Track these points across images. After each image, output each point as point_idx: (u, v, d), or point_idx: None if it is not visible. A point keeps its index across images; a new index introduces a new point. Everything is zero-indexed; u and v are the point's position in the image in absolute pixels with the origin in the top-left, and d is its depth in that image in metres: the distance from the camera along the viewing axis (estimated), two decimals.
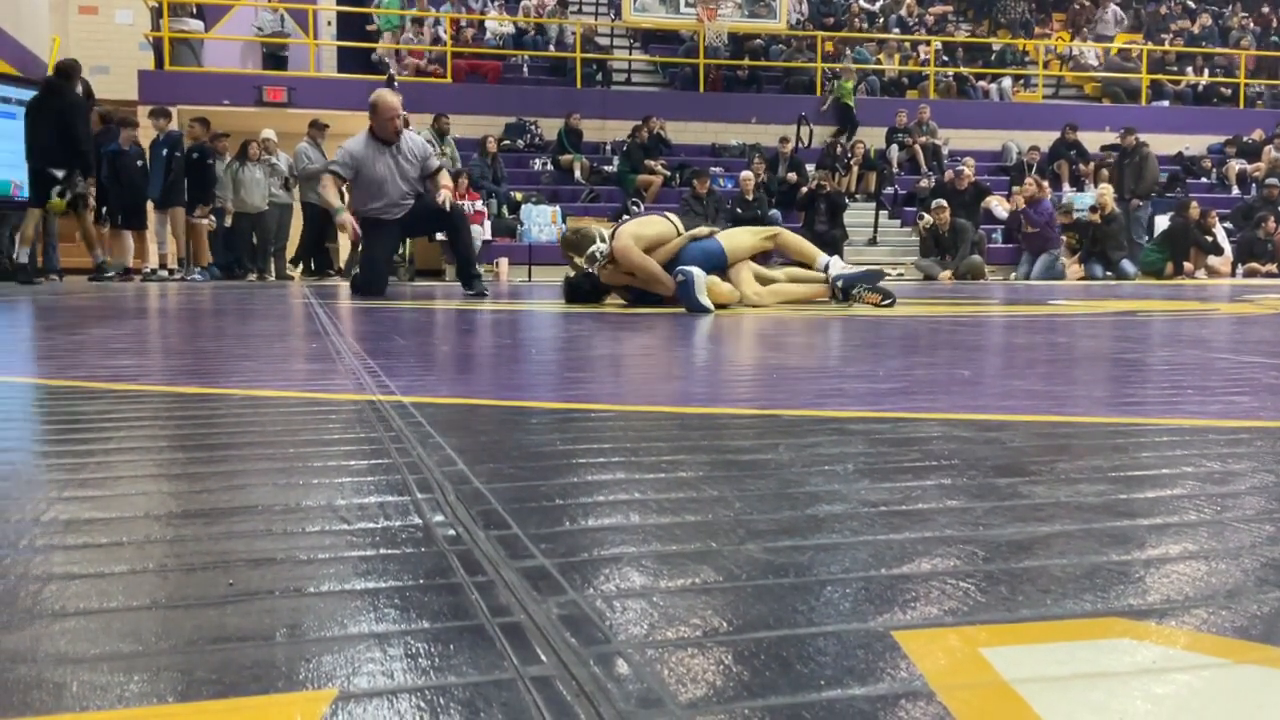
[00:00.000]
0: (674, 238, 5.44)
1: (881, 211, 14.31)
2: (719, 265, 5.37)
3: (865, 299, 5.37)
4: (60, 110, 9.39)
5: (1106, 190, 13.30)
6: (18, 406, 2.04)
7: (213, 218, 11.87)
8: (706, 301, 4.90)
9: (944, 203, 13.05)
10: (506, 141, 14.49)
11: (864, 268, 5.63)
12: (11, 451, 1.49)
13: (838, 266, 5.50)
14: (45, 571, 0.88)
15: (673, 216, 5.68)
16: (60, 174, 9.45)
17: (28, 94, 10.79)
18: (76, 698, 0.63)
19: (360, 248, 7.43)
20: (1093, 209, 12.94)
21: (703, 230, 5.51)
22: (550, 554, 0.91)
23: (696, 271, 4.95)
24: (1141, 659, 0.68)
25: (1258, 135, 16.62)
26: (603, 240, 5.56)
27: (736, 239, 5.51)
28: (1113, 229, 12.85)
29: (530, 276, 12.41)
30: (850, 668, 0.67)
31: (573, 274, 5.78)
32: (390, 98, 6.99)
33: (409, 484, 1.19)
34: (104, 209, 11.20)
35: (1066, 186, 14.82)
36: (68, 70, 9.69)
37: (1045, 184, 13.69)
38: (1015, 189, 13.62)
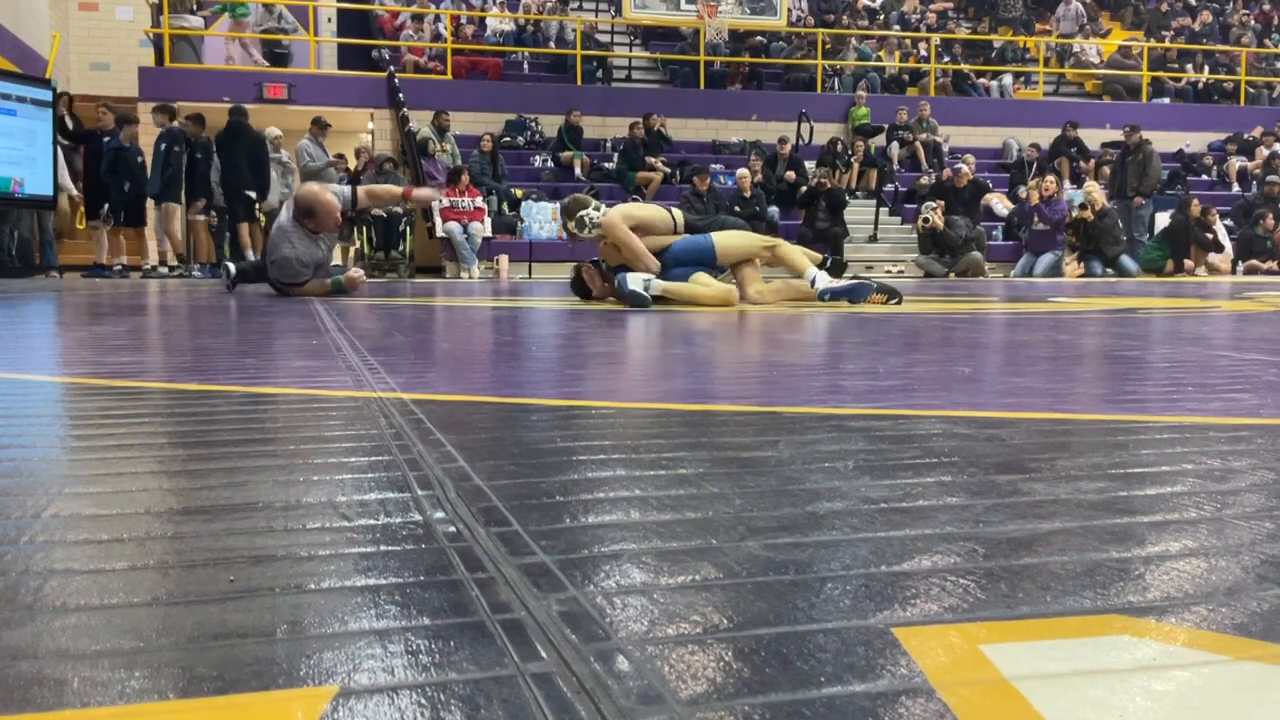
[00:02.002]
0: (666, 226, 5.50)
1: (882, 208, 14.29)
2: (706, 260, 5.39)
3: (872, 299, 5.36)
4: (248, 144, 11.53)
5: (1094, 187, 13.29)
6: (18, 403, 2.04)
7: (213, 214, 11.84)
8: (641, 289, 5.00)
9: (933, 204, 13.04)
10: (507, 138, 14.48)
11: (849, 282, 5.47)
12: (12, 448, 1.49)
13: (823, 281, 5.39)
14: (46, 568, 0.88)
15: (676, 211, 5.70)
16: (253, 195, 11.68)
17: (28, 91, 10.82)
18: (77, 694, 0.63)
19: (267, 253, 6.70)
20: (1082, 206, 12.93)
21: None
22: (550, 551, 0.91)
23: (629, 275, 5.12)
24: (1141, 656, 0.68)
25: (1258, 132, 16.61)
26: (597, 209, 5.61)
27: (730, 240, 5.50)
28: (1106, 224, 12.82)
29: (531, 273, 12.40)
30: (850, 664, 0.67)
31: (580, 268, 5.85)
32: (325, 196, 6.33)
33: (409, 481, 1.19)
34: (105, 206, 11.19)
35: (1067, 184, 14.81)
36: (246, 111, 11.90)
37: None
38: (1029, 185, 13.58)
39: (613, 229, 5.40)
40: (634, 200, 12.84)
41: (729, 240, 5.49)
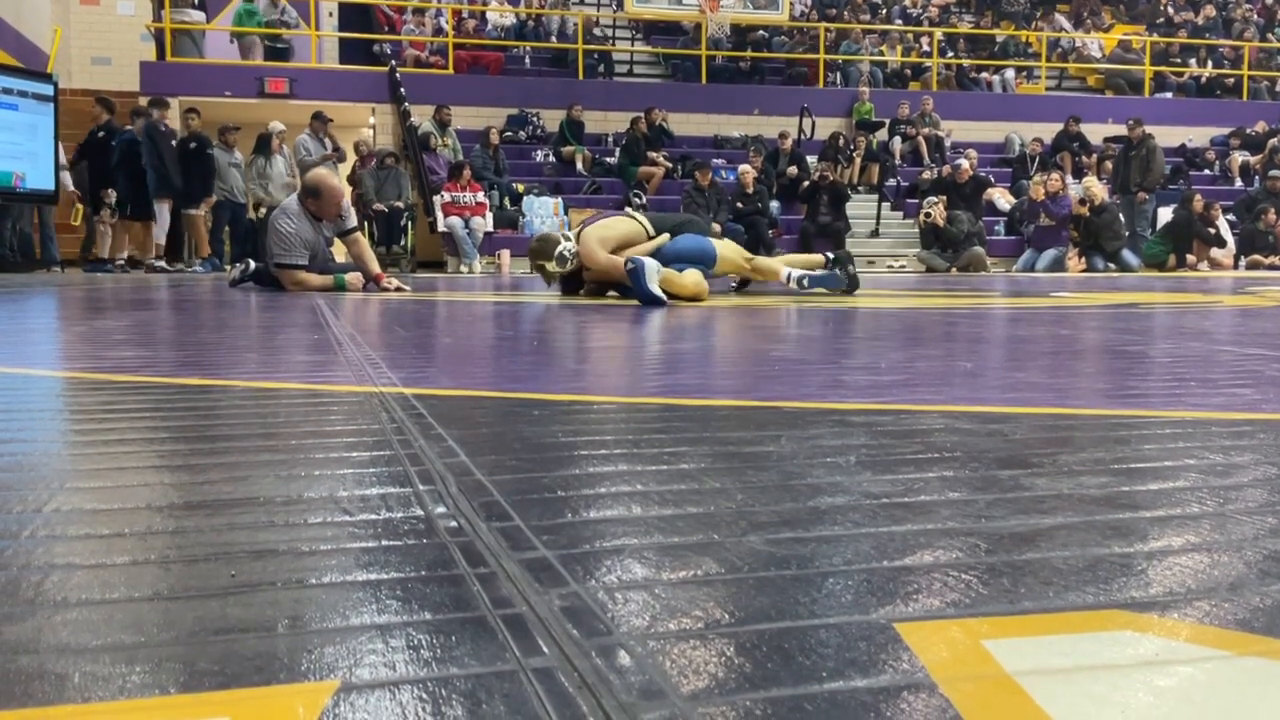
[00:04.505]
0: (640, 235, 5.49)
1: (884, 203, 14.28)
2: (707, 262, 5.43)
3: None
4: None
5: (1092, 182, 13.26)
6: (20, 398, 2.04)
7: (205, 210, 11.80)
8: (658, 291, 4.88)
9: (935, 199, 13.02)
10: (508, 133, 14.46)
11: (823, 272, 5.73)
12: (14, 443, 1.49)
13: (795, 276, 5.67)
14: (47, 562, 0.88)
15: (640, 216, 5.68)
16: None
17: (29, 85, 10.82)
18: (79, 689, 0.63)
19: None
20: (1081, 201, 12.90)
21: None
22: (552, 545, 0.91)
23: (647, 261, 4.96)
24: (1144, 651, 0.68)
25: (1261, 127, 16.58)
26: (567, 239, 5.60)
27: (728, 252, 5.67)
28: (1105, 219, 12.79)
29: (532, 268, 12.39)
30: (852, 660, 0.67)
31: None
32: (334, 181, 6.62)
33: (411, 475, 1.19)
34: (112, 198, 11.18)
35: (1069, 179, 14.79)
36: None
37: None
38: (1034, 180, 13.56)
39: (593, 259, 5.37)
40: (635, 195, 12.84)
41: (727, 252, 5.65)
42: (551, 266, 5.66)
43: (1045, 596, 0.79)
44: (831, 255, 5.99)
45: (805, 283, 5.51)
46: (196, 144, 11.51)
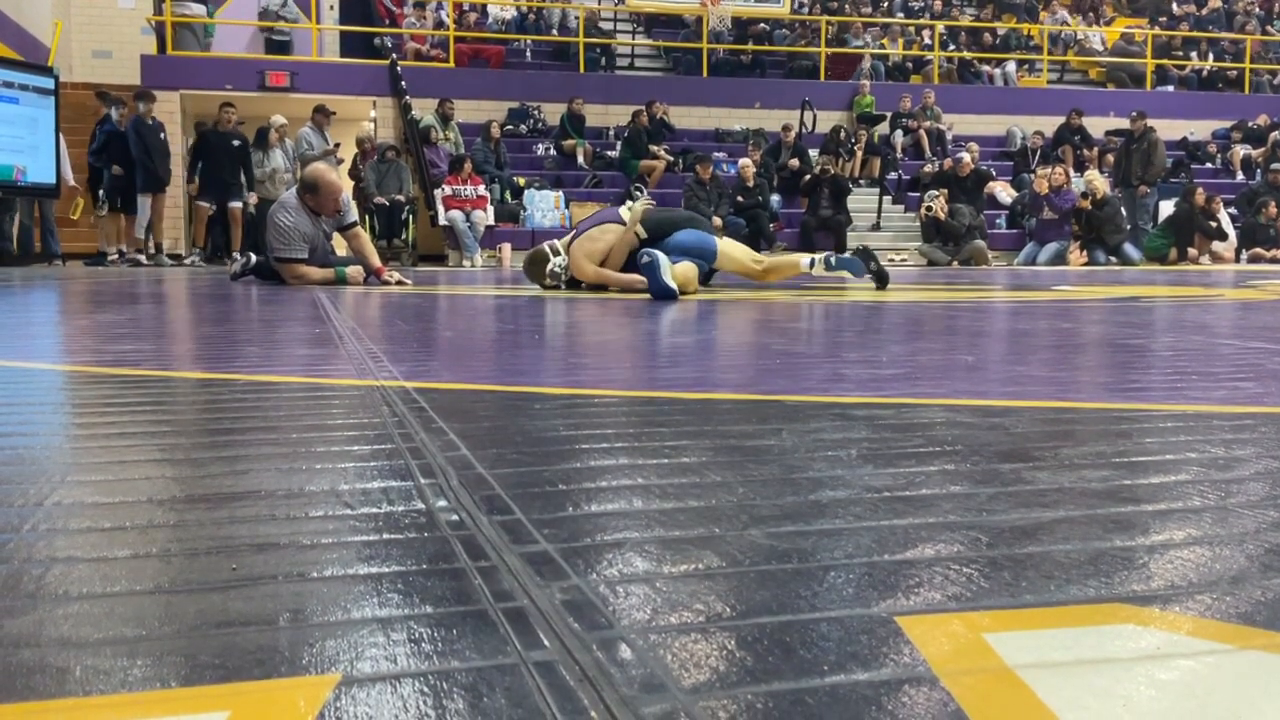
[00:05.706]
0: (630, 238, 5.48)
1: (885, 197, 14.26)
2: (707, 257, 5.45)
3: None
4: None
5: (1095, 175, 13.24)
6: (21, 391, 2.04)
7: (208, 204, 11.78)
8: (672, 283, 4.87)
9: (936, 192, 13.00)
10: (509, 126, 14.43)
11: (850, 255, 5.74)
12: (15, 436, 1.49)
13: (820, 261, 5.65)
14: (49, 555, 0.88)
15: (623, 211, 5.67)
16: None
17: (30, 79, 10.81)
18: (80, 682, 0.63)
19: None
20: (1084, 195, 12.88)
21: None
22: (553, 539, 0.91)
23: (660, 255, 4.95)
24: (1145, 645, 0.68)
25: (1262, 120, 16.54)
26: (555, 254, 5.65)
27: (731, 250, 5.66)
28: (1107, 213, 12.77)
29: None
30: (854, 653, 0.66)
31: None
32: (332, 176, 6.64)
33: (412, 469, 1.19)
34: (100, 192, 11.16)
35: (1071, 172, 14.76)
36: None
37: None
38: (1038, 174, 13.53)
39: (582, 273, 5.51)
40: (636, 189, 12.82)
41: (730, 249, 5.64)
42: (548, 282, 5.73)
43: (1047, 590, 0.79)
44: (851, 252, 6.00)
45: (832, 262, 5.49)
46: (240, 142, 11.53)
